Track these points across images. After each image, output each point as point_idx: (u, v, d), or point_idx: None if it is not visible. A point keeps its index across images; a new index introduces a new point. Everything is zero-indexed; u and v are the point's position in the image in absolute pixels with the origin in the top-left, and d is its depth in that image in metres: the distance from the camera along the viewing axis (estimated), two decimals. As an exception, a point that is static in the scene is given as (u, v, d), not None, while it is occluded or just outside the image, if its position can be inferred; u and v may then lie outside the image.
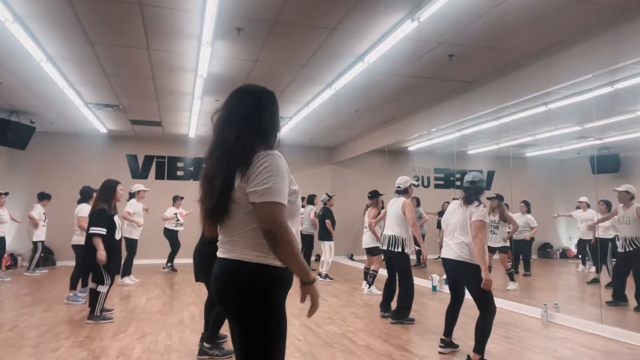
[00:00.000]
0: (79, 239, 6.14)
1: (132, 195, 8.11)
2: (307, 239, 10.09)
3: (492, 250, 7.27)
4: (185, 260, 8.04)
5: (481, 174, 4.09)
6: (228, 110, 1.80)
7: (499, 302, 6.16)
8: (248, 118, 1.76)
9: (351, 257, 12.24)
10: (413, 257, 5.61)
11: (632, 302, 5.92)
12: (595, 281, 7.67)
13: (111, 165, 10.71)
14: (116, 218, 5.20)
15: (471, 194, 3.92)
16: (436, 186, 12.79)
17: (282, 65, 6.16)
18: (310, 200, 10.17)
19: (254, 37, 5.19)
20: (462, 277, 3.91)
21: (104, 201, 5.07)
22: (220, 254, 1.78)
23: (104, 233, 4.95)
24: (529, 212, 8.49)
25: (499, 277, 7.33)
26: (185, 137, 11.26)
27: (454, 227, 3.93)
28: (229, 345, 3.81)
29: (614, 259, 7.00)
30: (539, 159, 11.53)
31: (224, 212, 1.70)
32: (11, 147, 9.24)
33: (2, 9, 4.41)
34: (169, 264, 9.47)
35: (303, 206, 9.95)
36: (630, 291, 5.99)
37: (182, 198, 9.48)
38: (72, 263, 6.54)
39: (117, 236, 5.21)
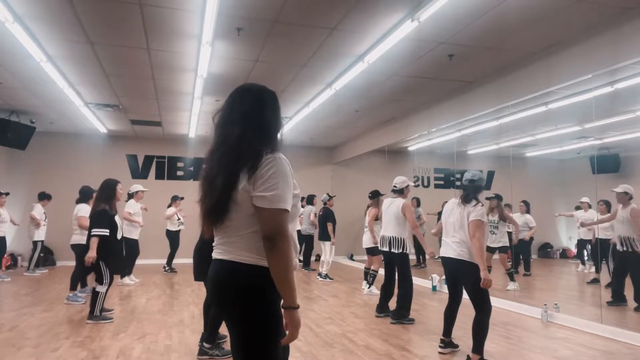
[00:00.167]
0: (79, 239, 6.14)
1: (130, 196, 8.12)
2: (307, 239, 10.11)
3: (492, 250, 7.28)
4: (185, 260, 8.04)
5: (481, 173, 4.05)
6: (229, 109, 1.78)
7: (499, 302, 6.22)
8: (249, 116, 1.74)
9: (351, 257, 12.25)
10: (413, 257, 5.62)
11: (632, 303, 5.92)
12: (595, 281, 7.68)
13: (111, 165, 10.70)
14: (117, 218, 5.20)
15: (469, 193, 3.88)
16: (436, 186, 12.79)
17: (282, 65, 6.17)
18: (310, 200, 10.17)
19: (254, 37, 5.19)
20: (461, 275, 3.90)
21: (104, 201, 5.06)
22: (216, 255, 1.75)
23: (107, 234, 4.95)
24: (528, 212, 8.50)
25: (499, 277, 7.33)
26: (185, 137, 11.27)
27: (453, 226, 3.92)
28: (229, 345, 3.80)
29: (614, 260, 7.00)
30: (539, 159, 11.54)
31: (224, 213, 1.67)
32: (11, 147, 9.24)
33: (2, 9, 4.41)
34: (167, 268, 9.38)
35: (302, 206, 9.96)
36: (629, 291, 5.99)
37: (182, 198, 9.46)
38: (72, 263, 6.54)
39: (119, 236, 5.21)
